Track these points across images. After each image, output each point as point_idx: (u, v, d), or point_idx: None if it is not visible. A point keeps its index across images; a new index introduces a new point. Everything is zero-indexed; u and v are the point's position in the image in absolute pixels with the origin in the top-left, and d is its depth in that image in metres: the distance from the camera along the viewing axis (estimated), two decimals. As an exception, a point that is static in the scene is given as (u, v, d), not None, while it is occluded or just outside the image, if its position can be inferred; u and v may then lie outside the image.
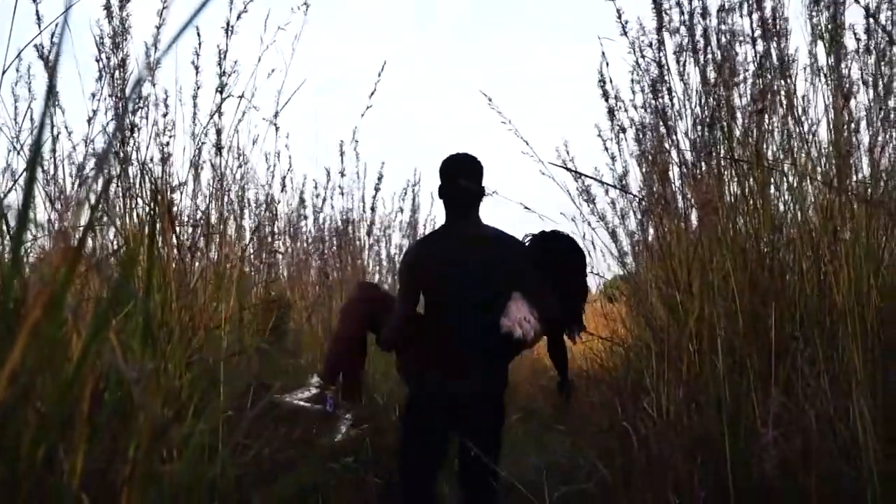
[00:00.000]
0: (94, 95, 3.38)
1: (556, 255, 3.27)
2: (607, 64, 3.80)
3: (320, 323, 4.97)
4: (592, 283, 3.58)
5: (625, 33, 3.48)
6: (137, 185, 3.32)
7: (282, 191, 5.18)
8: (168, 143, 3.49)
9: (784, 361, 2.85)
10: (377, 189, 5.94)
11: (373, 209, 6.01)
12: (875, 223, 2.96)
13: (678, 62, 3.52)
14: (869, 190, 3.13)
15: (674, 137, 3.52)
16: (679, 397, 2.97)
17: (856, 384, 2.60)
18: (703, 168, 3.35)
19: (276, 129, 3.90)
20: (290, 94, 3.69)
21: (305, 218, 5.71)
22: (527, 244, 3.33)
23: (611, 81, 3.83)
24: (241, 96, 3.49)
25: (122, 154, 3.32)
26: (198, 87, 3.46)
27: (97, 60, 3.33)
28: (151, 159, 3.43)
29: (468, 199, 3.21)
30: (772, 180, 3.35)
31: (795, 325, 2.99)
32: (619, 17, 3.46)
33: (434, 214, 6.81)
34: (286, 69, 3.60)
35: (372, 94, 4.40)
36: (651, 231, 3.80)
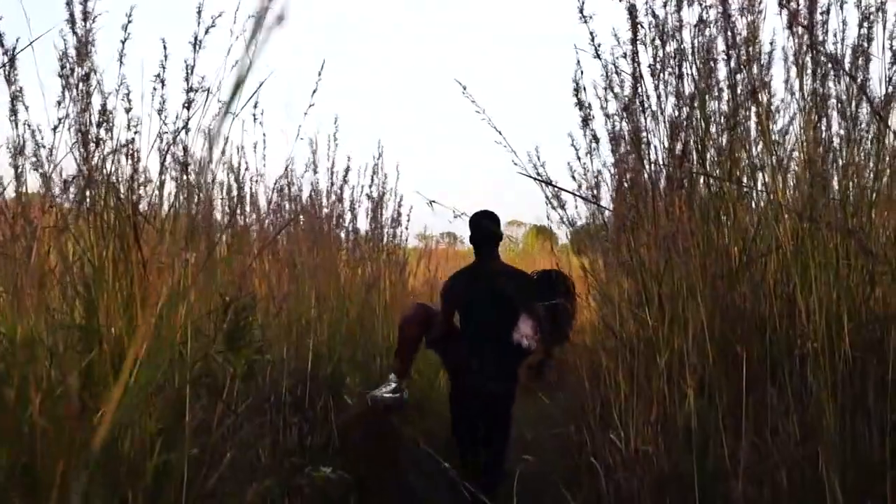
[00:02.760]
0: (59, 103, 3.30)
1: (552, 287, 4.35)
2: (582, 73, 3.74)
3: (288, 315, 4.94)
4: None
5: (597, 56, 3.43)
6: (102, 202, 3.25)
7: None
8: (135, 156, 3.41)
9: (755, 392, 2.87)
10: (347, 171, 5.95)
11: (343, 183, 6.02)
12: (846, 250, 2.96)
13: (653, 75, 3.48)
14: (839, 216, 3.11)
15: (647, 152, 3.49)
16: (648, 432, 2.98)
17: (825, 427, 2.62)
18: (674, 190, 3.31)
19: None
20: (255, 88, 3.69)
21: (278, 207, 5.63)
22: (534, 278, 4.58)
23: (585, 90, 3.77)
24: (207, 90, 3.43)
25: (85, 171, 3.24)
26: (163, 102, 3.38)
27: (60, 76, 3.24)
28: (117, 174, 3.35)
29: (488, 244, 4.60)
30: (744, 198, 3.34)
31: (765, 351, 3.00)
32: (592, 39, 3.40)
33: (401, 190, 6.82)
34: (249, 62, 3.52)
35: (315, 91, 4.33)
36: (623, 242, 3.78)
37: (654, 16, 3.46)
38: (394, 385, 4.69)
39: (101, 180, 3.27)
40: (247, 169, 5.25)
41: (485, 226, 4.56)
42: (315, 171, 5.80)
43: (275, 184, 5.52)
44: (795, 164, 3.38)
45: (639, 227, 3.43)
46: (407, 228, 7.04)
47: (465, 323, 4.59)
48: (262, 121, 4.74)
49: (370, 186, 6.43)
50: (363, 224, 6.48)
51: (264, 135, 5.04)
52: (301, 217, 5.69)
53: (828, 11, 3.23)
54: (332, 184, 5.96)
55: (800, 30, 3.21)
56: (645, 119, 3.48)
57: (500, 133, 3.78)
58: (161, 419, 3.05)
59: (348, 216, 6.21)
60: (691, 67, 3.41)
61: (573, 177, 4.22)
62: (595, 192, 4.05)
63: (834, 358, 2.78)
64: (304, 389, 4.86)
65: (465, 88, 3.86)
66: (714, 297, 3.09)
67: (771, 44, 3.42)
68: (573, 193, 4.03)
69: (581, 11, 3.33)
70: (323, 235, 5.68)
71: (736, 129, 3.34)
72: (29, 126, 3.32)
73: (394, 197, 6.82)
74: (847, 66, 3.26)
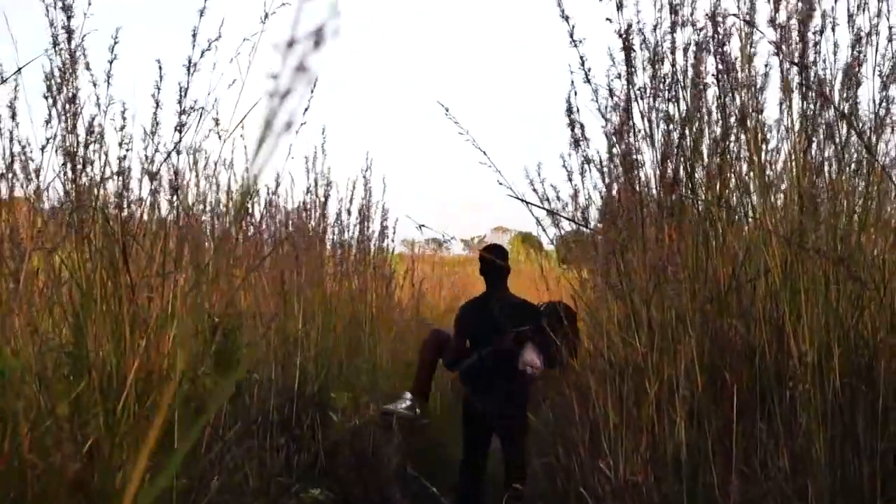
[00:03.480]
0: (47, 122, 3.28)
1: (557, 318, 4.44)
2: (575, 93, 3.73)
3: (277, 334, 4.92)
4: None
5: (587, 80, 3.42)
6: (91, 225, 3.24)
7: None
8: (124, 176, 3.39)
9: (744, 421, 2.87)
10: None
11: (326, 197, 6.02)
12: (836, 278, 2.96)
13: (643, 98, 3.48)
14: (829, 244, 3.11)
15: (637, 175, 3.49)
16: (637, 461, 2.98)
17: (815, 458, 2.62)
18: (663, 217, 3.31)
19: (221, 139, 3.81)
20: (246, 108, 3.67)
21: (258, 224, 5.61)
22: (540, 309, 4.86)
23: (578, 111, 3.76)
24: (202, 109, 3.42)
25: (73, 193, 3.22)
26: (156, 124, 3.36)
27: (45, 97, 3.23)
28: (104, 195, 3.33)
29: (497, 276, 5.09)
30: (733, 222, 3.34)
31: (754, 379, 3.00)
32: (583, 63, 3.40)
33: (385, 200, 6.82)
34: (243, 81, 3.52)
35: (307, 109, 4.33)
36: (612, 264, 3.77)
37: (645, 39, 3.46)
38: (409, 402, 5.14)
39: (89, 202, 3.25)
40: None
41: (492, 260, 5.04)
42: (308, 191, 5.80)
43: (266, 197, 5.53)
44: (785, 185, 3.39)
45: (628, 250, 3.42)
46: (393, 241, 7.04)
47: (474, 346, 5.01)
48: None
49: (351, 200, 6.42)
50: (351, 235, 6.48)
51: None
52: (289, 230, 5.67)
53: (821, 32, 3.24)
54: (318, 197, 5.95)
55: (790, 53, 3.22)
56: (636, 142, 3.47)
57: (484, 153, 3.77)
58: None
59: (335, 229, 6.21)
60: (682, 91, 3.41)
61: (558, 197, 4.23)
62: (585, 213, 4.04)
63: (823, 386, 2.79)
64: (290, 408, 4.84)
65: (447, 110, 3.86)
66: (703, 323, 3.09)
67: (766, 66, 3.43)
68: (562, 216, 4.03)
69: (571, 36, 3.33)
70: (310, 250, 5.65)
71: (725, 154, 3.34)
72: (19, 142, 3.31)
73: (380, 210, 6.82)
74: (838, 88, 3.27)
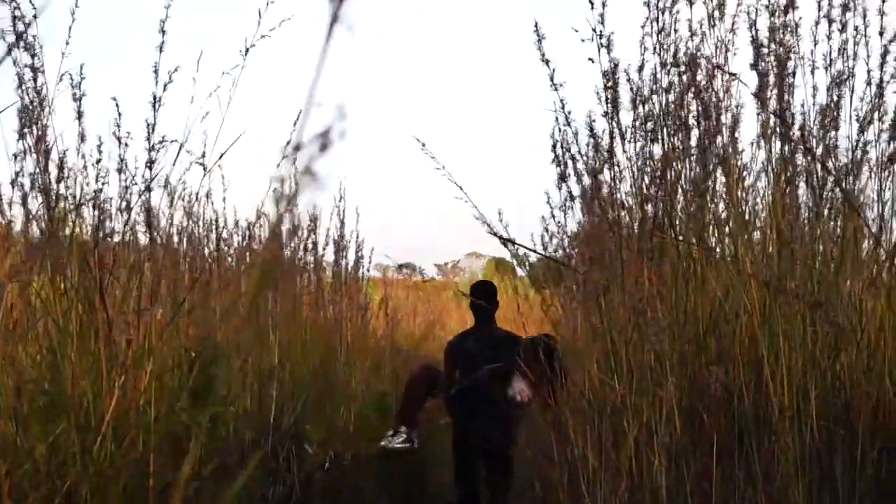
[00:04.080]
0: (15, 156, 3.26)
1: (539, 350, 4.47)
2: (560, 129, 3.75)
3: (252, 367, 4.89)
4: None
5: (568, 123, 3.44)
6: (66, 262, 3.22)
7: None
8: (99, 211, 3.37)
9: (723, 463, 2.88)
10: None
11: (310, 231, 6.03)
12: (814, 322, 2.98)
13: (623, 138, 3.50)
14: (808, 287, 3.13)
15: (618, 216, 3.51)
16: (616, 503, 2.98)
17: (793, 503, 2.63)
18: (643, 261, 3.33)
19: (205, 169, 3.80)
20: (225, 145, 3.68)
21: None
22: (524, 341, 4.87)
23: (564, 147, 3.77)
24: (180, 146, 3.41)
25: (48, 231, 3.20)
26: (122, 161, 3.34)
27: (17, 132, 3.21)
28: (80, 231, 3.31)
29: (484, 311, 5.34)
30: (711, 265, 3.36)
31: (733, 421, 3.01)
32: (563, 107, 3.42)
33: (360, 229, 6.88)
34: (222, 118, 3.52)
35: (289, 142, 4.32)
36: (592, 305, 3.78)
37: (629, 78, 3.49)
38: (404, 436, 5.35)
39: (63, 239, 3.23)
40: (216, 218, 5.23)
41: (480, 296, 5.35)
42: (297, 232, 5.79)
43: (246, 228, 5.53)
44: (762, 225, 3.41)
45: (609, 291, 3.43)
46: (368, 270, 7.06)
47: (462, 377, 5.13)
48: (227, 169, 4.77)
49: (327, 231, 6.43)
50: (326, 265, 6.48)
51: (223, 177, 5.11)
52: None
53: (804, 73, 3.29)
54: (295, 228, 5.93)
55: (769, 98, 3.26)
56: (617, 184, 3.49)
57: (461, 188, 3.78)
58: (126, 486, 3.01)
59: (310, 258, 6.20)
60: (663, 132, 3.44)
61: (546, 230, 4.24)
62: (566, 250, 4.06)
63: (802, 431, 2.80)
64: (266, 440, 4.81)
65: (423, 145, 3.88)
66: (682, 365, 3.10)
67: (738, 107, 3.47)
68: (546, 256, 4.04)
69: (552, 80, 3.35)
70: (286, 281, 5.64)
71: (705, 195, 3.36)
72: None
73: (354, 239, 6.83)
74: (816, 129, 3.30)
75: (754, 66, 3.20)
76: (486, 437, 4.98)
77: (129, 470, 3.08)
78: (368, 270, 7.23)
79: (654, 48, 3.47)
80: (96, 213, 3.35)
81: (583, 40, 3.40)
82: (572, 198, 3.85)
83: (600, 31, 3.39)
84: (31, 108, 3.17)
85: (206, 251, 5.10)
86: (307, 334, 5.63)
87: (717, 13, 3.51)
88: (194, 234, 4.92)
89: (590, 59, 3.40)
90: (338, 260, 6.52)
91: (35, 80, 3.17)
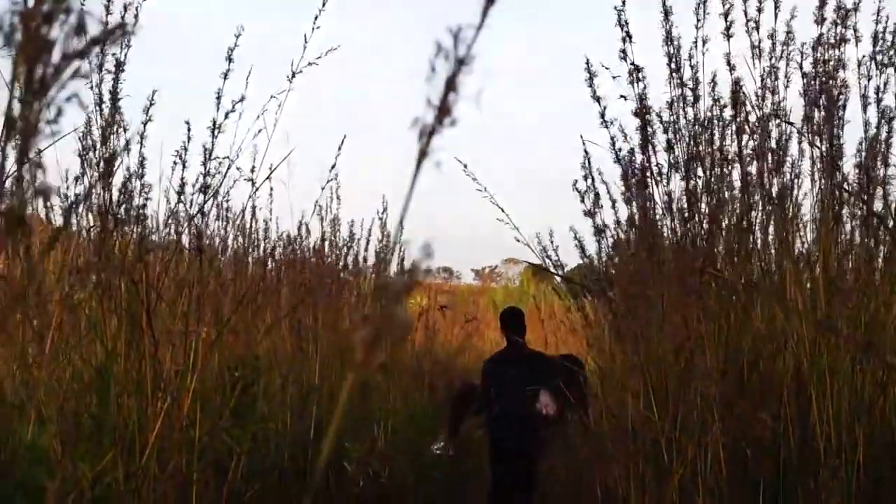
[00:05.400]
0: (77, 179, 3.31)
1: (569, 369, 4.84)
2: (589, 162, 3.76)
3: (294, 384, 4.93)
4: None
5: (617, 160, 3.45)
6: (116, 285, 3.25)
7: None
8: (144, 232, 3.41)
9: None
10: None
11: (348, 248, 6.07)
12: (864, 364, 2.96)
13: (661, 174, 3.49)
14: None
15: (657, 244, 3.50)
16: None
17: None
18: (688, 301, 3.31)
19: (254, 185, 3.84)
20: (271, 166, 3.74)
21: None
22: (554, 361, 5.41)
23: (593, 178, 3.78)
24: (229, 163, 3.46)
25: (103, 254, 3.24)
26: (182, 184, 3.38)
27: (80, 155, 3.25)
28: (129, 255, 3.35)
29: (516, 333, 5.75)
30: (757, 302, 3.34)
31: (778, 460, 2.99)
32: (613, 145, 3.42)
33: (403, 241, 6.83)
34: (269, 138, 3.57)
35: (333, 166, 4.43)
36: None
37: (660, 117, 3.47)
38: (442, 444, 6.00)
39: (115, 261, 3.27)
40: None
41: (512, 321, 5.85)
42: (324, 238, 5.82)
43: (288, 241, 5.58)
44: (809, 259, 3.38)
45: (650, 325, 3.42)
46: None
47: (497, 397, 5.57)
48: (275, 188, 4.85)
49: (368, 243, 6.47)
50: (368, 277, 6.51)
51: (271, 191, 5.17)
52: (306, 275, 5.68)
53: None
54: (335, 244, 5.99)
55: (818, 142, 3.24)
56: (658, 220, 3.48)
57: (502, 210, 3.82)
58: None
59: (352, 273, 6.23)
60: (701, 167, 3.42)
61: (584, 255, 4.25)
62: (606, 282, 4.06)
63: (848, 470, 2.78)
64: (305, 458, 4.84)
65: (465, 166, 3.94)
66: (727, 403, 3.08)
67: (785, 140, 3.44)
68: (583, 285, 4.05)
69: (602, 116, 3.35)
70: (328, 296, 5.66)
71: (749, 230, 3.35)
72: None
73: (398, 251, 6.85)
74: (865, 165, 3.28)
75: (808, 118, 3.19)
76: (519, 449, 5.43)
77: (172, 496, 3.12)
78: (403, 264, 7.26)
79: (689, 82, 3.45)
80: (140, 229, 3.38)
81: (615, 77, 3.40)
82: (603, 229, 3.86)
83: (632, 66, 3.39)
84: (103, 129, 3.21)
85: (250, 268, 5.13)
86: (346, 349, 5.64)
87: (763, 45, 3.46)
88: (239, 250, 4.96)
89: (622, 96, 3.40)
90: (378, 273, 6.54)
91: (114, 101, 3.21)
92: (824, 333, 2.98)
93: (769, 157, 3.30)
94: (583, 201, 3.78)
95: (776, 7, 3.40)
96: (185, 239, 3.51)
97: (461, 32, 0.69)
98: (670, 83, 3.44)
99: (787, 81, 3.43)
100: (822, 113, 3.29)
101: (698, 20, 3.43)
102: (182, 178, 3.39)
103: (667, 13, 3.40)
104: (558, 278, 5.57)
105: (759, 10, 3.40)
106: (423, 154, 0.72)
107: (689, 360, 3.09)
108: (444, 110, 0.70)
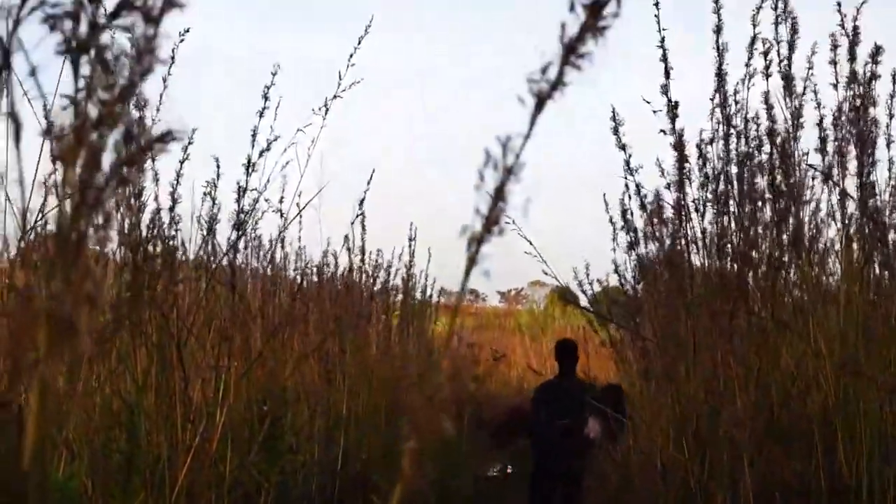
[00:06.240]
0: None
1: (611, 397, 5.19)
2: (630, 197, 3.77)
3: (322, 416, 4.93)
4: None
5: (643, 207, 3.45)
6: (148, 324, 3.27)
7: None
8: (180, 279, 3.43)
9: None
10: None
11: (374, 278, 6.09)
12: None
13: (697, 211, 3.49)
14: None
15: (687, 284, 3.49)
16: None
17: None
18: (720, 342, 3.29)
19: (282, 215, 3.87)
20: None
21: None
22: (601, 389, 5.80)
23: (632, 214, 3.80)
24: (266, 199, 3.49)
25: (133, 289, 3.26)
26: (214, 221, 3.41)
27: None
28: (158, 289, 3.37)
29: (567, 363, 6.19)
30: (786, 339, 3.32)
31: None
32: (639, 191, 3.43)
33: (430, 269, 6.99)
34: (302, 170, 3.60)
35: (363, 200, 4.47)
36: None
37: (702, 154, 3.47)
38: (500, 466, 7.23)
39: (146, 298, 3.28)
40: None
41: (564, 353, 6.27)
42: (352, 270, 5.83)
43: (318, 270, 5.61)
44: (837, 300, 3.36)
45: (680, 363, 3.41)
46: (437, 311, 7.11)
47: (548, 421, 5.98)
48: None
49: (395, 272, 6.49)
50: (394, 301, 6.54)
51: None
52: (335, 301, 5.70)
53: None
54: (365, 271, 6.00)
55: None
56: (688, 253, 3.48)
57: (530, 243, 3.85)
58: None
59: (380, 300, 6.25)
60: (737, 205, 3.42)
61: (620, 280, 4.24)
62: (637, 319, 4.06)
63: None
64: (333, 487, 4.84)
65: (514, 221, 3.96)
66: (757, 445, 3.06)
67: (812, 177, 3.43)
68: (616, 322, 4.05)
69: (627, 164, 3.37)
70: (355, 325, 5.66)
71: (780, 269, 3.33)
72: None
73: (425, 279, 6.89)
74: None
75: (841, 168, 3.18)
76: (567, 470, 5.90)
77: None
78: (437, 307, 7.31)
79: (726, 119, 3.45)
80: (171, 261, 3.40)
81: (655, 112, 3.41)
82: (643, 267, 3.86)
83: (670, 103, 3.40)
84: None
85: (279, 296, 5.15)
86: (373, 378, 5.64)
87: (795, 86, 3.47)
88: (267, 283, 4.98)
89: (661, 130, 3.41)
90: (405, 301, 6.56)
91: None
92: (850, 376, 2.96)
93: (798, 195, 3.29)
94: (616, 237, 3.78)
95: (812, 52, 3.42)
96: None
97: (510, 142, 0.71)
98: (711, 118, 3.46)
99: (820, 118, 3.42)
100: (856, 151, 3.29)
101: (750, 58, 3.45)
102: (213, 213, 3.41)
103: (720, 50, 3.43)
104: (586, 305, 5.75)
105: (791, 48, 3.42)
106: (472, 262, 0.73)
107: (719, 404, 3.08)
108: (491, 220, 0.72)
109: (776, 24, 3.42)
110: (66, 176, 0.71)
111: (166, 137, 0.73)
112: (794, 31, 3.41)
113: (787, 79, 3.42)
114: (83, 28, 0.76)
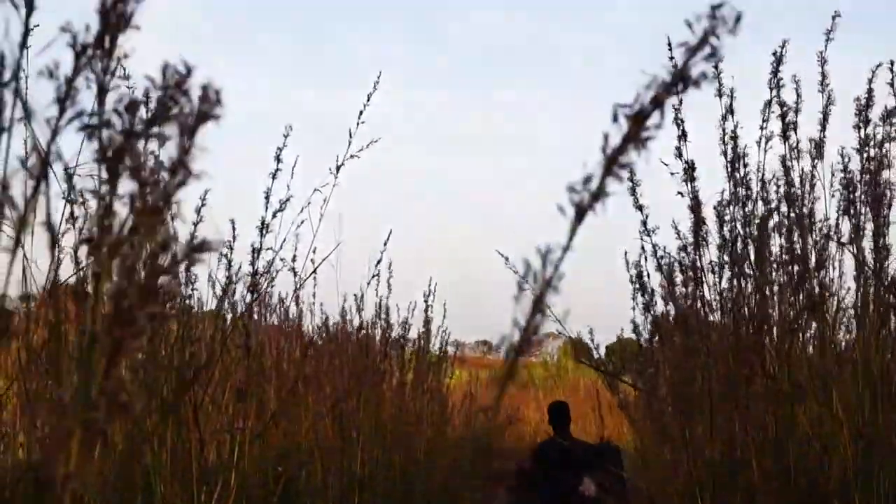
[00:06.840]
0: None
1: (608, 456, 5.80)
2: (646, 258, 3.78)
3: (335, 474, 4.91)
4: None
5: (660, 268, 3.46)
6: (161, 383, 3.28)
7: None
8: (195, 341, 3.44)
9: None
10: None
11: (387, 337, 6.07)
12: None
13: (713, 272, 3.49)
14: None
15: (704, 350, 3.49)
16: None
17: None
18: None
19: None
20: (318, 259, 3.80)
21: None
22: (595, 449, 6.32)
23: (648, 276, 3.81)
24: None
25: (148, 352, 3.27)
26: (229, 282, 3.42)
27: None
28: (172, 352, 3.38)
29: (561, 424, 6.72)
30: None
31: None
32: (655, 253, 3.44)
33: (446, 325, 7.02)
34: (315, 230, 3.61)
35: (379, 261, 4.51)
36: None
37: (717, 211, 3.48)
38: None
39: (163, 361, 3.30)
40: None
41: (557, 415, 6.88)
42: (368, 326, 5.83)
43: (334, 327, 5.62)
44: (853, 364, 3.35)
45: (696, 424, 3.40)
46: (452, 365, 7.10)
47: (546, 478, 6.39)
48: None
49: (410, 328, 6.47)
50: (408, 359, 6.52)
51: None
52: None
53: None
54: (381, 325, 5.99)
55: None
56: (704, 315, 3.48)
57: (559, 321, 3.82)
58: None
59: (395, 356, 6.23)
60: (751, 268, 3.42)
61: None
62: (652, 381, 4.05)
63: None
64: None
65: (507, 259, 4.04)
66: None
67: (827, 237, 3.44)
68: (630, 384, 4.05)
69: (644, 225, 3.38)
70: (373, 385, 5.64)
71: (797, 333, 3.33)
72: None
73: (440, 335, 6.88)
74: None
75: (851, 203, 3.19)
76: None
77: None
78: (452, 366, 7.33)
79: (744, 182, 3.47)
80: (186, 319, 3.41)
81: (672, 173, 3.42)
82: (658, 330, 3.86)
83: (687, 165, 3.42)
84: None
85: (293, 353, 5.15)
86: (388, 436, 5.61)
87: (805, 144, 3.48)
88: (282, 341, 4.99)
89: (679, 192, 3.42)
90: (419, 358, 6.53)
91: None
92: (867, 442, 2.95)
93: (813, 258, 3.30)
94: (635, 297, 3.79)
95: (825, 119, 3.44)
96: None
97: (549, 254, 0.72)
98: (729, 181, 3.47)
99: (833, 179, 3.43)
100: (870, 211, 3.29)
101: (764, 120, 3.47)
102: (228, 275, 3.43)
103: (731, 111, 3.45)
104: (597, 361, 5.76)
105: (797, 110, 3.45)
106: (509, 375, 0.74)
107: (735, 472, 3.07)
108: (529, 330, 0.73)
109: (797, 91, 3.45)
110: (98, 287, 0.72)
111: (203, 247, 0.75)
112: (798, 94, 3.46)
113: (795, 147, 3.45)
114: (119, 137, 0.78)
